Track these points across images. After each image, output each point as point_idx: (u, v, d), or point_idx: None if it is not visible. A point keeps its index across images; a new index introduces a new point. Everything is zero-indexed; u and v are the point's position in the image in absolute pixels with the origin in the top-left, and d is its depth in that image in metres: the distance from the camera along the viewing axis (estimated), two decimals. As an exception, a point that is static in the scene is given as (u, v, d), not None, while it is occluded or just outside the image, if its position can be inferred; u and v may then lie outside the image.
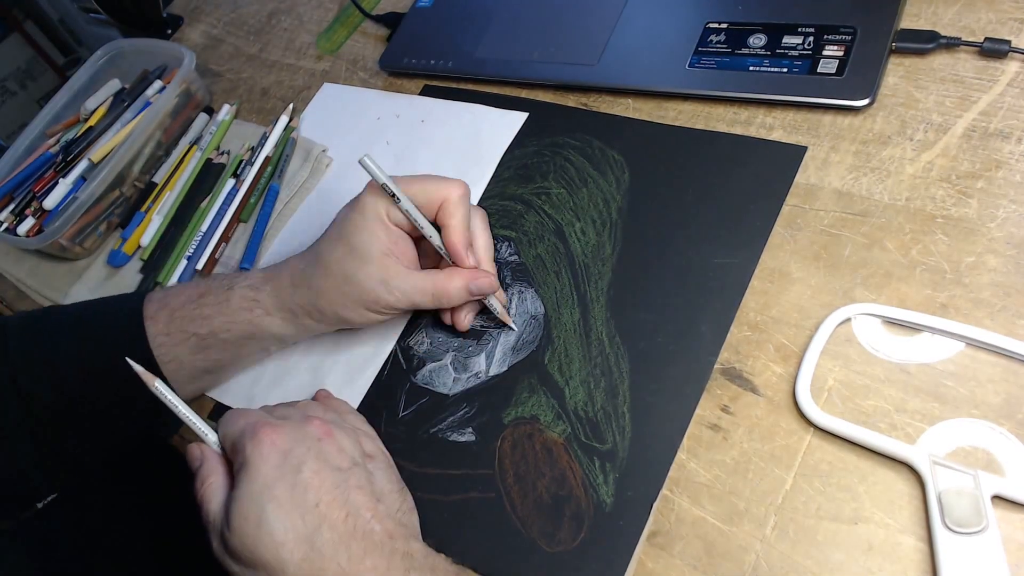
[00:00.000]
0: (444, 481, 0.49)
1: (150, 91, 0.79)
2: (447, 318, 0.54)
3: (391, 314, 0.51)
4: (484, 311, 0.54)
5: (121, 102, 0.78)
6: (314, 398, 0.53)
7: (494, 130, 0.64)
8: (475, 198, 0.61)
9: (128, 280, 0.70)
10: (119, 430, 0.55)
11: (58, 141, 0.77)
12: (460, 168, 0.63)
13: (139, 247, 0.71)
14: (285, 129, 0.73)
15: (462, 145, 0.65)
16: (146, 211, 0.73)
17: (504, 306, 0.53)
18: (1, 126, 1.82)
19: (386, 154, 0.68)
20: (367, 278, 0.49)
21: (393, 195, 0.48)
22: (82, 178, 0.73)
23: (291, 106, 0.75)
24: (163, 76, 0.81)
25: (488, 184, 0.61)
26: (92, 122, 0.77)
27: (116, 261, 0.72)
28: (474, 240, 0.51)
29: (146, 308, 0.53)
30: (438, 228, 0.50)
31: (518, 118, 0.64)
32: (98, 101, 0.80)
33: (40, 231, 0.71)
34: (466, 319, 0.53)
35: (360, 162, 0.47)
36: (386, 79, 0.74)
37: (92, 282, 0.72)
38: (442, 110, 0.68)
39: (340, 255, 0.49)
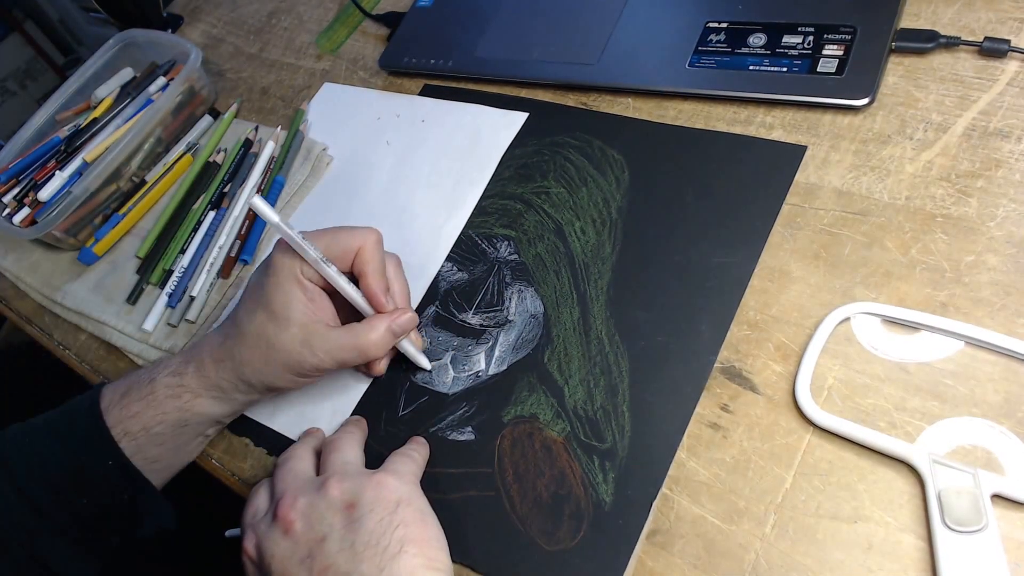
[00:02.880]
0: (444, 480, 0.49)
1: (153, 87, 0.79)
2: (363, 367, 0.53)
3: (318, 375, 0.51)
4: (485, 310, 0.54)
5: (126, 95, 0.79)
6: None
7: (494, 130, 0.64)
8: (475, 198, 0.61)
9: (126, 280, 0.70)
10: (98, 541, 0.53)
11: (67, 128, 0.77)
12: (460, 168, 0.63)
13: (151, 249, 0.71)
14: (294, 121, 0.73)
15: (462, 145, 0.65)
16: (125, 214, 0.73)
17: (421, 349, 0.54)
18: (1, 126, 1.82)
19: (387, 154, 0.68)
20: (289, 342, 0.48)
21: (311, 257, 0.48)
22: (78, 172, 0.74)
23: (307, 104, 0.75)
24: (169, 71, 0.81)
25: (488, 183, 0.61)
26: (98, 112, 0.77)
27: (86, 259, 0.72)
28: (391, 285, 0.51)
29: (106, 403, 0.52)
30: (353, 279, 0.50)
31: (518, 118, 0.64)
32: (108, 90, 0.80)
33: (34, 222, 0.72)
34: (381, 365, 0.52)
35: (251, 205, 0.47)
36: (386, 78, 0.74)
37: (90, 281, 0.72)
38: (442, 110, 0.68)
39: (260, 322, 0.49)
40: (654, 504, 0.43)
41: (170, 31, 0.93)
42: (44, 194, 0.72)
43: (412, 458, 0.48)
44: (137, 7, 0.91)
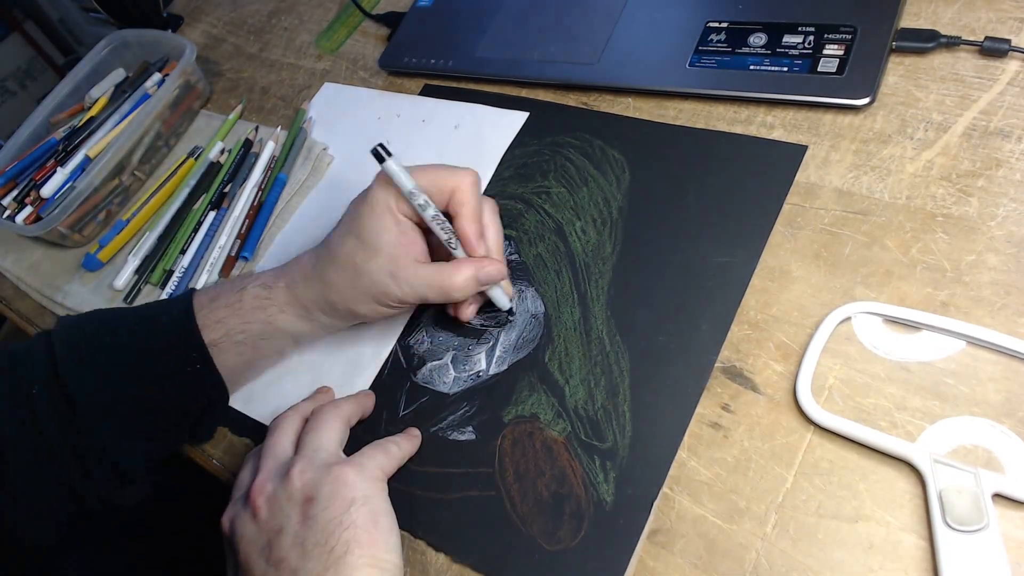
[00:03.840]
0: (444, 479, 0.49)
1: (149, 83, 0.79)
2: (451, 308, 0.54)
3: (400, 307, 0.51)
4: (485, 308, 0.54)
5: (122, 93, 0.79)
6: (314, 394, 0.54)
7: (495, 130, 0.64)
8: None
9: (124, 280, 0.70)
10: (165, 434, 0.54)
11: (63, 129, 0.77)
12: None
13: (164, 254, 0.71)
14: (295, 120, 0.73)
15: (463, 145, 0.65)
16: (128, 220, 0.73)
17: (511, 296, 0.53)
18: (1, 126, 1.82)
19: None
20: (376, 271, 0.49)
21: (408, 190, 0.48)
22: (80, 167, 0.74)
23: (307, 103, 0.75)
24: (163, 68, 0.81)
25: (488, 183, 0.61)
26: (94, 112, 0.78)
27: (90, 266, 0.72)
28: (485, 230, 0.51)
29: (196, 306, 0.53)
30: (449, 217, 0.50)
31: (519, 118, 0.64)
32: (101, 90, 0.80)
33: (38, 219, 0.72)
34: (468, 310, 0.53)
35: (373, 152, 0.47)
36: (386, 78, 0.74)
37: (90, 281, 0.72)
38: (443, 110, 0.68)
39: (350, 248, 0.49)
40: (655, 504, 0.43)
41: (170, 31, 0.93)
42: (47, 190, 0.72)
43: (387, 451, 0.48)
44: (137, 7, 0.91)
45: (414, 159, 0.65)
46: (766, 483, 0.42)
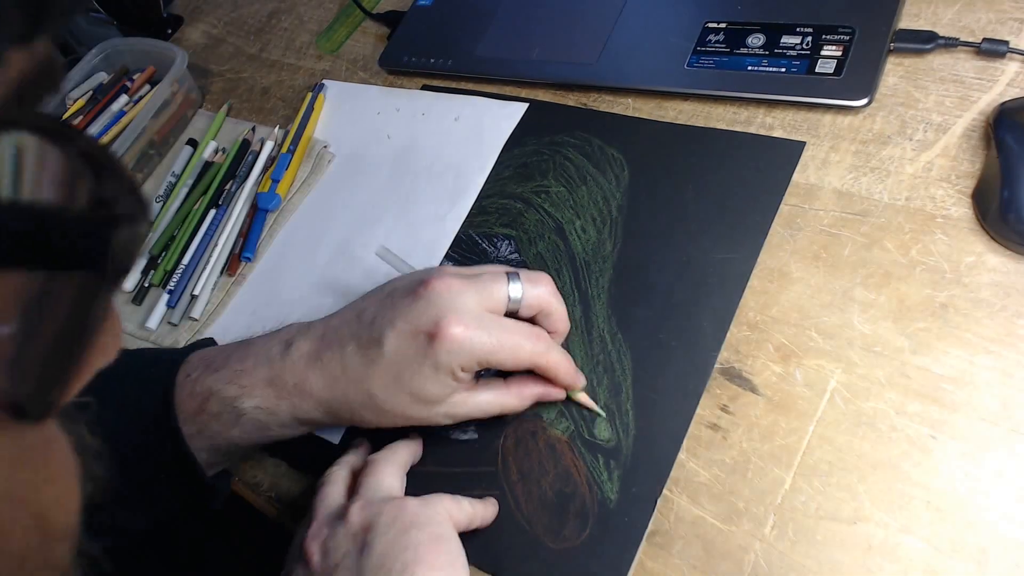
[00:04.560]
0: (447, 479, 0.49)
1: (121, 99, 0.80)
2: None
3: None
4: None
5: (95, 99, 0.79)
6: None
7: (495, 122, 0.64)
8: (476, 188, 0.61)
9: (131, 282, 0.70)
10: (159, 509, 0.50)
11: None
12: (461, 159, 0.64)
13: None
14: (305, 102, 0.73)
15: (463, 136, 0.65)
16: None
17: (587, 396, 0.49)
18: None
19: (388, 148, 0.68)
20: (431, 417, 0.45)
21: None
22: None
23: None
24: (139, 74, 0.82)
25: (488, 181, 0.61)
26: (67, 114, 0.78)
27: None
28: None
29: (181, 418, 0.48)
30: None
31: (518, 109, 0.64)
32: (81, 92, 0.81)
33: None
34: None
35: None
36: (386, 78, 0.74)
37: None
38: (442, 103, 0.68)
39: (402, 402, 0.45)
40: (658, 501, 0.44)
41: (170, 31, 0.93)
42: None
43: (458, 501, 0.45)
44: (137, 7, 0.91)
45: (415, 152, 0.66)
46: (765, 484, 0.42)
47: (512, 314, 0.46)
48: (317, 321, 0.49)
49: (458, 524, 0.43)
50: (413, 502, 0.42)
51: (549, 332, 0.47)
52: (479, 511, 0.45)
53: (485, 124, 0.65)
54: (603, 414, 0.48)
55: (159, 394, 0.48)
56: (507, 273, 0.46)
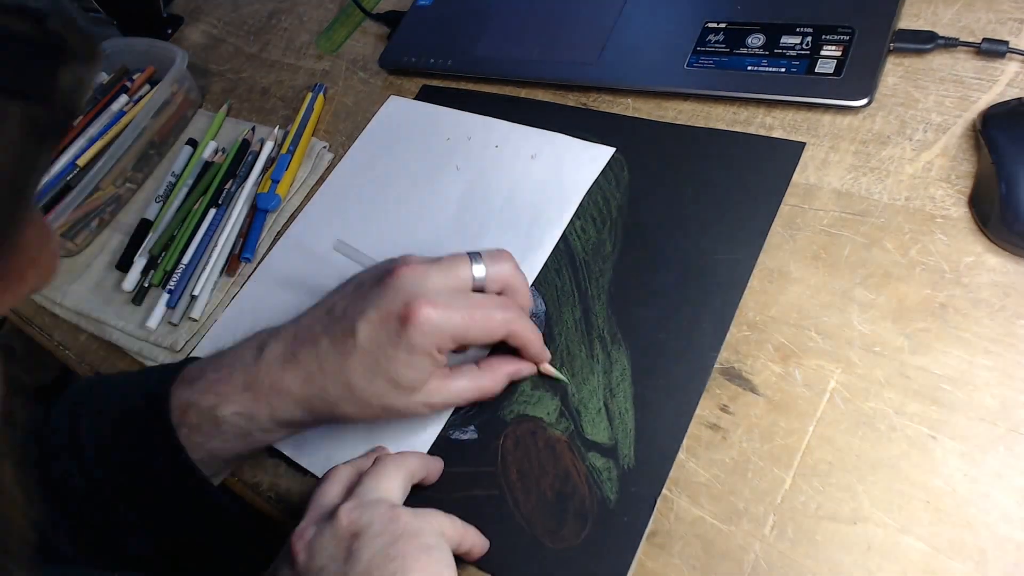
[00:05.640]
0: (447, 479, 0.49)
1: (121, 99, 0.80)
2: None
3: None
4: None
5: (95, 100, 0.79)
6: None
7: (576, 164, 0.58)
8: (553, 239, 0.56)
9: (128, 278, 0.70)
10: (162, 524, 0.50)
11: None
12: (537, 204, 0.58)
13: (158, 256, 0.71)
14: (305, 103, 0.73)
15: (541, 178, 0.59)
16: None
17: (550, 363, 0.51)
18: (1, 125, 1.82)
19: (456, 180, 0.62)
20: (410, 406, 0.46)
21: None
22: (59, 175, 0.74)
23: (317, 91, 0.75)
24: (139, 74, 0.82)
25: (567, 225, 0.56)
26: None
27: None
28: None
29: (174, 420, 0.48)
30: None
31: (604, 153, 0.58)
32: None
33: None
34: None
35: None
36: (386, 78, 0.74)
37: (91, 280, 0.72)
38: (519, 136, 0.62)
39: (380, 390, 0.45)
40: (657, 501, 0.44)
41: (170, 31, 0.93)
42: None
43: (452, 520, 0.44)
44: (137, 7, 0.91)
45: (486, 189, 0.61)
46: (765, 484, 0.42)
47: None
48: (287, 323, 0.49)
49: (450, 540, 0.43)
50: (406, 512, 0.42)
51: None
52: (471, 535, 0.45)
53: (565, 166, 0.58)
54: (568, 379, 0.50)
55: (154, 405, 0.48)
56: (469, 254, 0.47)
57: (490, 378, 0.48)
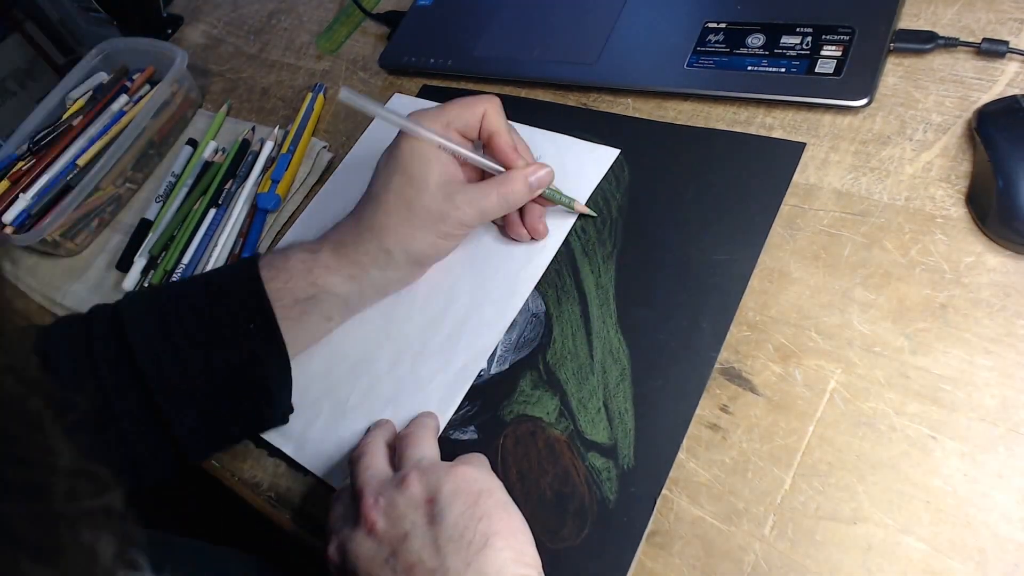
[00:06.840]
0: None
1: (115, 105, 0.80)
2: (523, 234, 0.55)
3: (462, 234, 0.53)
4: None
5: (95, 99, 0.79)
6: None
7: (580, 166, 0.58)
8: (556, 241, 0.55)
9: (128, 278, 0.70)
10: (235, 412, 0.51)
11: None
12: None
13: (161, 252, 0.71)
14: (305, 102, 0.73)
15: None
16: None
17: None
18: (1, 126, 1.82)
19: None
20: (431, 200, 0.50)
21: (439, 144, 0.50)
22: (58, 176, 0.74)
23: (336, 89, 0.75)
24: (139, 74, 0.82)
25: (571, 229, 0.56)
26: (67, 114, 0.78)
27: None
28: (516, 144, 0.53)
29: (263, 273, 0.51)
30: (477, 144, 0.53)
31: (608, 155, 0.58)
32: (80, 92, 0.81)
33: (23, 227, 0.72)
34: (541, 224, 0.55)
35: (345, 99, 0.49)
36: (386, 78, 0.74)
37: (91, 280, 0.72)
38: (524, 135, 0.59)
39: (398, 186, 0.50)
40: (657, 501, 0.44)
41: (170, 31, 0.93)
42: (8, 216, 0.72)
43: (482, 458, 0.47)
44: (137, 7, 0.91)
45: None
46: (764, 484, 0.42)
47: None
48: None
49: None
50: (469, 469, 0.43)
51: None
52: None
53: (569, 168, 0.58)
54: (595, 214, 0.55)
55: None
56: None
57: (506, 178, 0.52)
